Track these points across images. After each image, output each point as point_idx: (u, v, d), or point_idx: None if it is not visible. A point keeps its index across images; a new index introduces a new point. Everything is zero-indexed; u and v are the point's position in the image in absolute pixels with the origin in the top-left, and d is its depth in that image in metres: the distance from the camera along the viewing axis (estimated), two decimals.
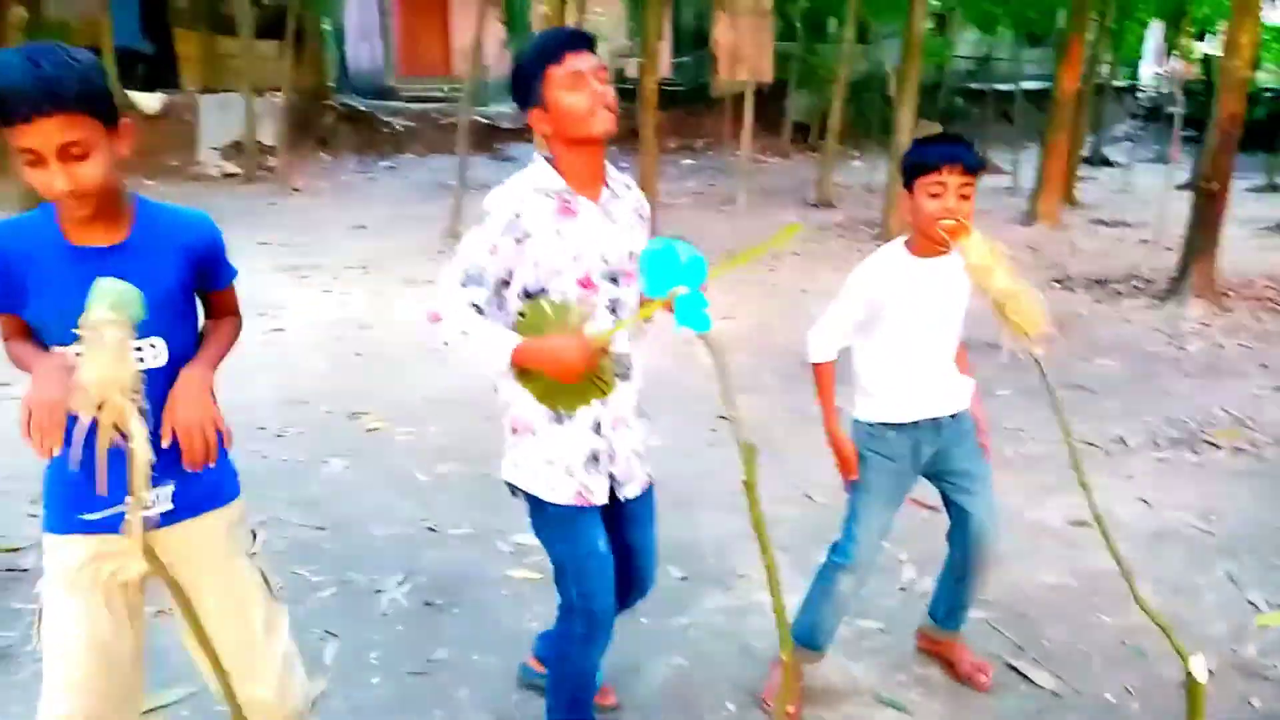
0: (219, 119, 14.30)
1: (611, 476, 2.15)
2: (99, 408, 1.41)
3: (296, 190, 12.85)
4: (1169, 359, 6.15)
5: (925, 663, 2.92)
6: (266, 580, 1.87)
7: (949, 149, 2.33)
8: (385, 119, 16.52)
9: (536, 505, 2.15)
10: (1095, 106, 16.50)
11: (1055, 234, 10.87)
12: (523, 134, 16.82)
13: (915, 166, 2.36)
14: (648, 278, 1.88)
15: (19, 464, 3.44)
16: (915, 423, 2.52)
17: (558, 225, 2.00)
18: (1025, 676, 2.86)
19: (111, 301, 1.48)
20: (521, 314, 1.99)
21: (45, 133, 1.46)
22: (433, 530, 3.68)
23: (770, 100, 18.34)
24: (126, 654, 1.73)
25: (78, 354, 1.45)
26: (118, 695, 1.71)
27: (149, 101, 13.99)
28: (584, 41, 1.99)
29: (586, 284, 2.03)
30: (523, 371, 1.93)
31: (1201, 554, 3.63)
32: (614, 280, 2.08)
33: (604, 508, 2.16)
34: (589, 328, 1.94)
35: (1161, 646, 2.98)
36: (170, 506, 1.72)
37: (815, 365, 2.54)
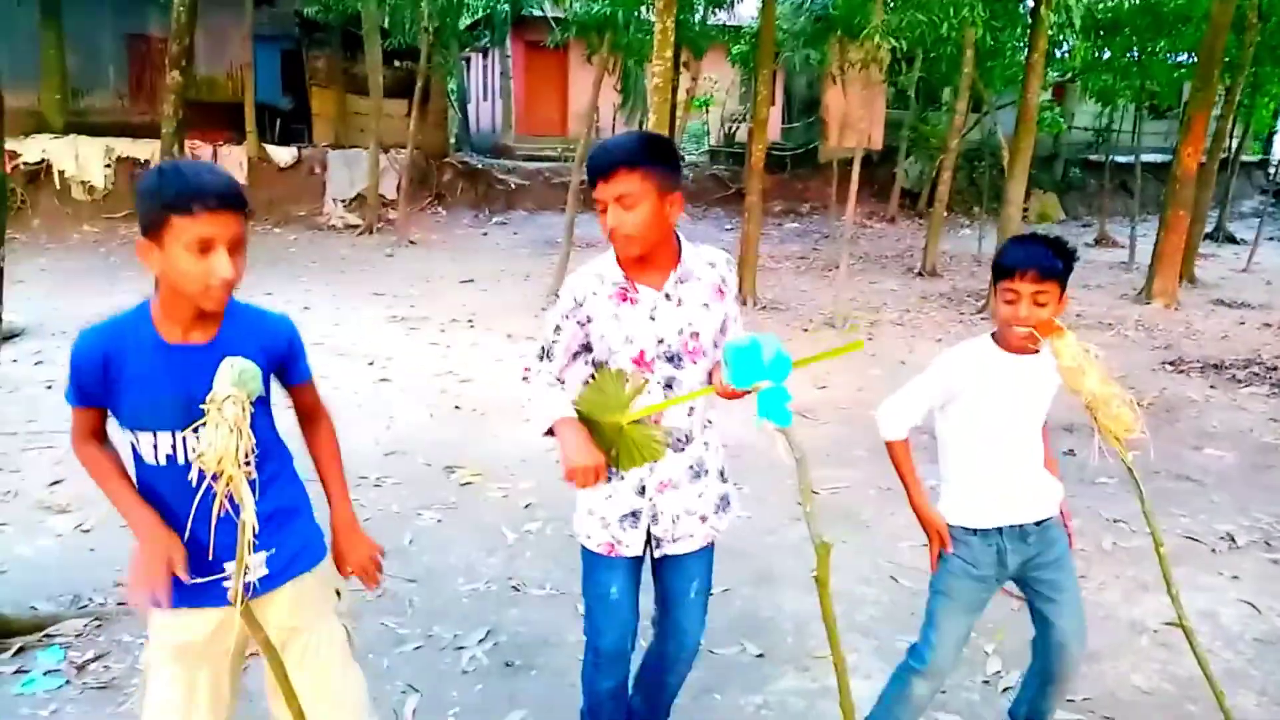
0: (345, 173, 15.09)
1: (651, 534, 2.34)
2: (215, 478, 1.55)
3: (413, 243, 13.39)
4: None
5: None
6: (350, 638, 1.99)
7: (1026, 253, 2.29)
8: (500, 176, 17.11)
9: (582, 547, 2.42)
10: (1222, 181, 15.92)
11: (1171, 314, 10.48)
12: None
13: (995, 267, 2.37)
14: (733, 370, 1.96)
15: None
16: (999, 529, 2.46)
17: (616, 311, 2.22)
18: None
19: (234, 379, 1.63)
20: (590, 379, 2.29)
21: (223, 224, 1.67)
22: (516, 589, 3.77)
23: (879, 166, 18.33)
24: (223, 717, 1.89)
25: (198, 429, 1.61)
26: None
27: (283, 154, 14.86)
28: (610, 168, 2.09)
29: (640, 362, 2.23)
30: (586, 427, 2.22)
31: None
32: (670, 360, 2.24)
33: (653, 561, 2.40)
34: (641, 400, 2.19)
35: None
36: (266, 572, 1.85)
37: (888, 443, 2.55)
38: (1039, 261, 2.28)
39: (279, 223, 14.31)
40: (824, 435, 5.91)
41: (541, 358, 2.28)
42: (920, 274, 12.73)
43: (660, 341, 2.21)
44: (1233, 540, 4.49)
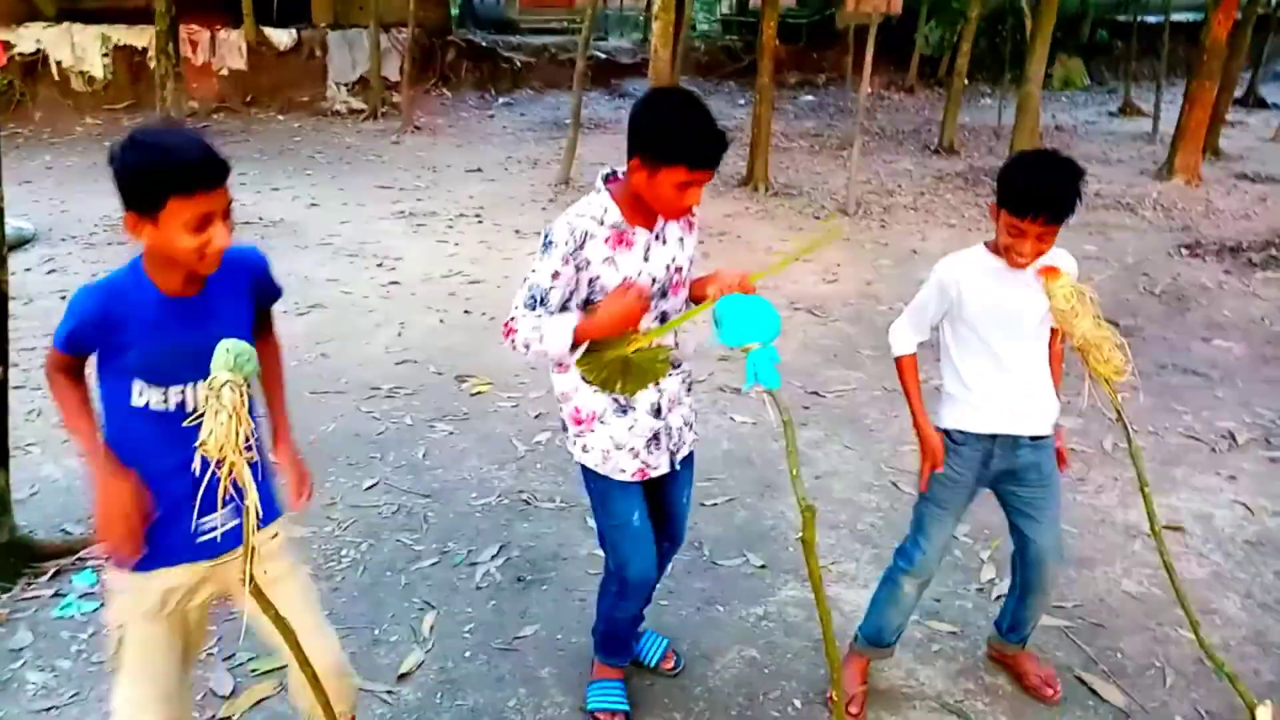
0: (346, 55, 14.69)
1: (670, 450, 2.45)
2: (217, 465, 1.60)
3: (418, 128, 13.16)
4: None
5: (994, 670, 2.97)
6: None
7: (1039, 196, 2.21)
8: (506, 54, 16.62)
9: (589, 479, 2.48)
10: (1256, 44, 15.26)
11: (1191, 191, 10.26)
12: (639, 69, 16.72)
13: (1002, 197, 2.31)
14: (723, 328, 2.00)
15: None
16: (993, 436, 2.52)
17: (612, 253, 2.23)
18: (1094, 691, 2.89)
19: (229, 362, 1.66)
20: None
21: (219, 198, 1.70)
22: (527, 503, 3.89)
23: (899, 33, 17.66)
24: (191, 661, 2.05)
25: (197, 417, 1.65)
26: (187, 696, 2.06)
27: (282, 37, 14.45)
28: (719, 161, 2.12)
29: None
30: (587, 365, 2.21)
31: None
32: (663, 294, 2.32)
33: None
34: (640, 327, 2.22)
35: (1243, 666, 2.99)
36: (235, 523, 1.91)
37: (897, 359, 2.60)
38: (1050, 207, 2.21)
39: (282, 109, 14.06)
40: (832, 333, 5.93)
41: (533, 306, 2.17)
42: (937, 151, 12.45)
43: (653, 281, 2.27)
44: (1233, 439, 4.55)
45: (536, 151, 11.99)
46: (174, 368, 1.79)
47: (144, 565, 1.88)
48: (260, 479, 1.86)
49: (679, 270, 2.33)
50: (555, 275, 2.18)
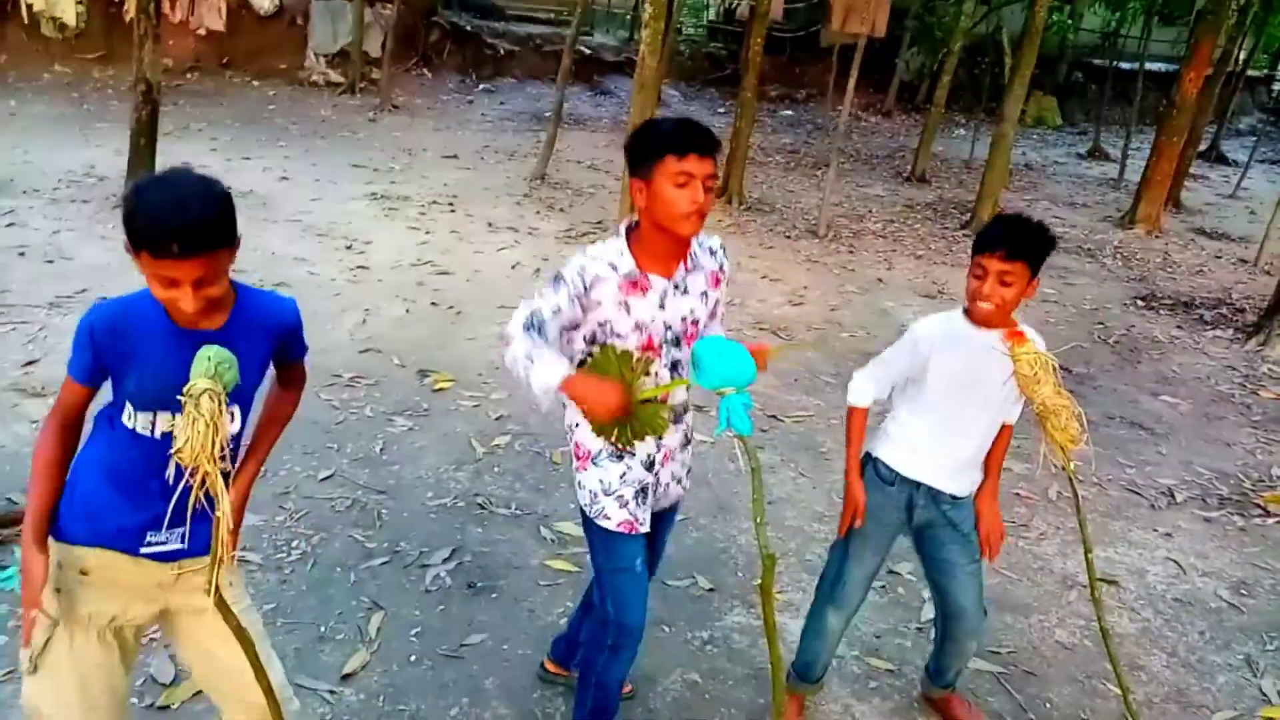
0: (329, 25, 14.49)
1: (652, 508, 2.40)
2: (191, 474, 1.60)
3: (395, 107, 13.04)
4: (1239, 404, 6.02)
5: (929, 711, 3.05)
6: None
7: (1000, 232, 2.38)
8: (490, 40, 16.50)
9: (588, 519, 2.38)
10: (1223, 97, 15.66)
11: (1151, 242, 10.52)
12: (623, 68, 16.70)
13: (976, 239, 2.45)
14: (700, 370, 2.03)
15: None
16: (916, 483, 2.61)
17: (625, 299, 2.20)
18: None
19: (208, 370, 1.66)
20: (590, 355, 2.24)
21: (187, 270, 1.64)
22: (482, 507, 3.90)
23: (881, 55, 17.85)
24: (124, 691, 1.98)
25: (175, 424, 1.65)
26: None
27: (263, 1, 14.22)
28: (711, 147, 2.11)
29: (648, 347, 2.25)
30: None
31: (1225, 631, 3.66)
32: (676, 343, 2.29)
33: None
34: (646, 381, 2.20)
35: None
36: (182, 546, 1.90)
37: (851, 407, 2.66)
38: (1009, 241, 2.35)
39: (258, 75, 13.83)
40: (794, 357, 6.00)
41: (529, 328, 2.12)
42: (909, 179, 12.62)
43: (668, 329, 2.26)
44: (1172, 496, 4.69)
45: (514, 142, 11.95)
46: (168, 397, 1.75)
47: (87, 539, 1.86)
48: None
49: (695, 324, 2.31)
50: (557, 311, 2.15)
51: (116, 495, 1.84)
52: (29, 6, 12.84)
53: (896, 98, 18.67)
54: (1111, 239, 10.38)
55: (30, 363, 4.64)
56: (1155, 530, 4.36)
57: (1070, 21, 17.67)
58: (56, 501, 1.85)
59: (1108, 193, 13.34)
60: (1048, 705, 3.15)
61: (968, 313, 2.50)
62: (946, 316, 2.58)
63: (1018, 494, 4.48)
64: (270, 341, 1.91)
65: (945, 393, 2.52)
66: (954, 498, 2.63)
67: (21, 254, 6.08)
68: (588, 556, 2.49)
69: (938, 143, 13.97)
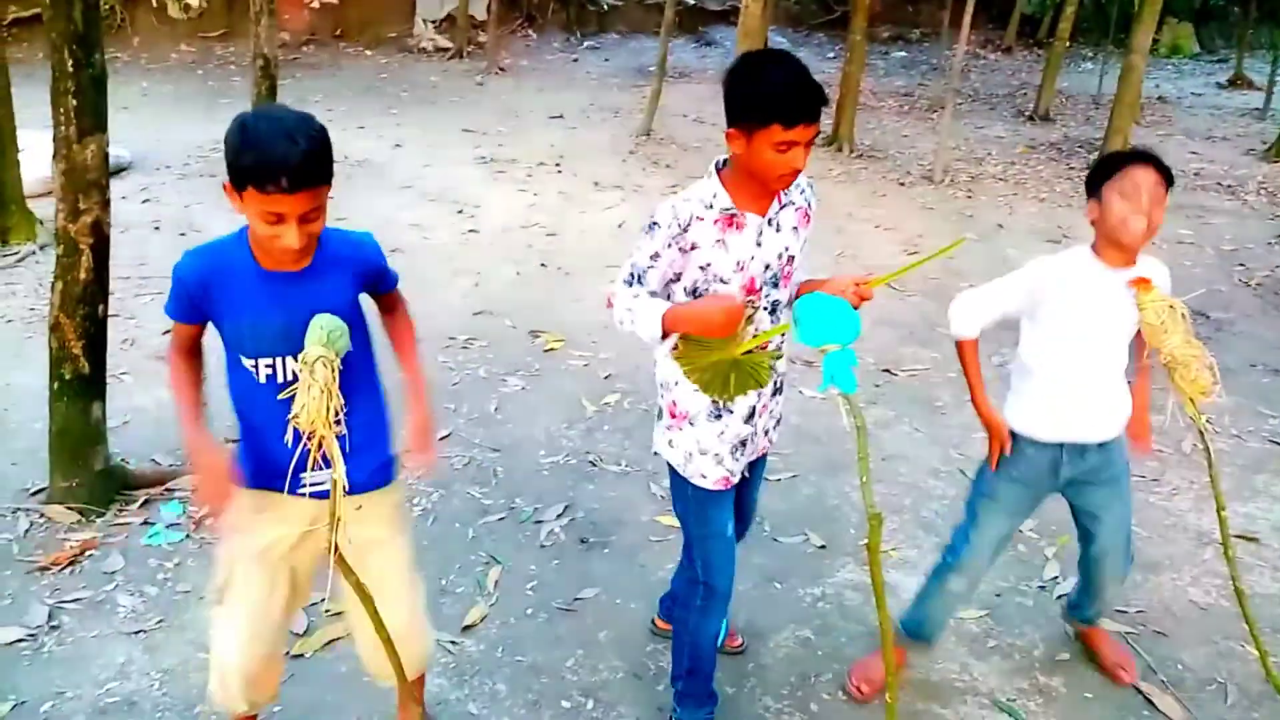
0: None
1: (750, 457, 2.39)
2: (308, 438, 1.67)
3: (502, 70, 13.15)
4: None
5: (1050, 670, 2.96)
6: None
7: (1141, 151, 2.27)
8: None
9: (678, 481, 2.38)
10: None
11: None
12: (727, 17, 16.39)
13: (1102, 166, 2.32)
14: (802, 327, 1.99)
15: None
16: (1060, 444, 2.49)
17: (723, 237, 2.16)
18: (1150, 702, 2.86)
19: (322, 338, 1.72)
20: None
21: (294, 204, 1.70)
22: (593, 464, 3.96)
23: None
24: (292, 612, 2.13)
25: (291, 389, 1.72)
26: (280, 639, 2.14)
27: None
28: (820, 112, 2.03)
29: (750, 289, 2.21)
30: (689, 363, 2.13)
31: None
32: (774, 283, 2.24)
33: None
34: (749, 327, 2.14)
35: None
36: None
37: (958, 340, 2.56)
38: (1156, 157, 2.25)
39: (370, 44, 14.15)
40: (910, 309, 5.85)
41: (631, 283, 2.14)
42: (1031, 118, 12.02)
43: (766, 267, 2.21)
44: None
45: (619, 99, 11.90)
46: (263, 341, 1.85)
47: (255, 483, 1.97)
48: (378, 432, 1.99)
49: (791, 260, 2.25)
50: (655, 256, 2.14)
51: (267, 439, 1.92)
52: None
53: (1017, 32, 17.76)
54: (1255, 174, 9.69)
55: (168, 331, 4.90)
56: None
57: None
58: (200, 396, 1.97)
59: (1251, 124, 12.44)
60: (1179, 667, 3.02)
61: (1094, 249, 2.37)
62: (1071, 254, 2.44)
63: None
64: (355, 279, 1.95)
65: (1077, 337, 2.38)
66: (1100, 444, 2.49)
67: (157, 228, 6.42)
68: None
69: (1062, 78, 13.24)
